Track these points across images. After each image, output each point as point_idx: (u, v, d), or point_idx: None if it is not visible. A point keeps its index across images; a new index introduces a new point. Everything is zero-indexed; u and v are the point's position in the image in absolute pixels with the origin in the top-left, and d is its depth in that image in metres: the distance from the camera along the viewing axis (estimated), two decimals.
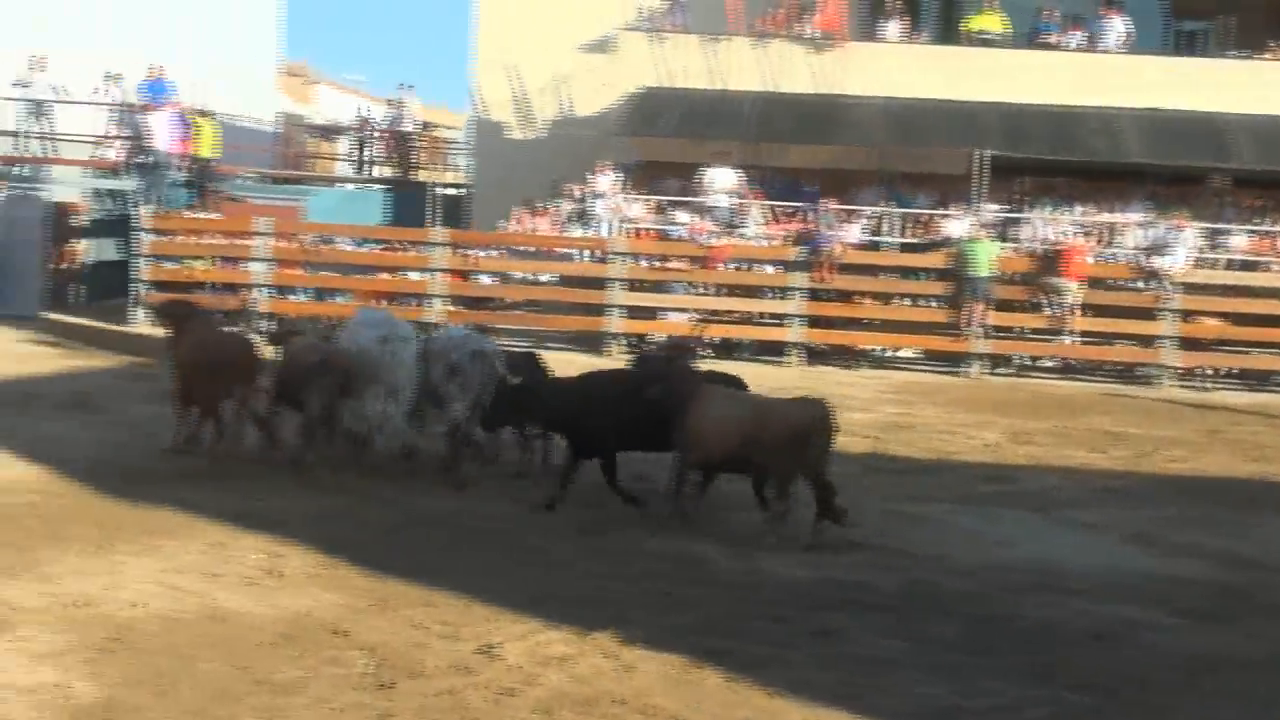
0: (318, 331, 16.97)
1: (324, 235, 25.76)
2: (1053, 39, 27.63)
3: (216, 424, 14.78)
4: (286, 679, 8.76)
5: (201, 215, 26.07)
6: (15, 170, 26.69)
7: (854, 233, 25.27)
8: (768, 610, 10.53)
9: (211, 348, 15.00)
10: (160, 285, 24.44)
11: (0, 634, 9.30)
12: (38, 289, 25.20)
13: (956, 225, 24.97)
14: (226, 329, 16.93)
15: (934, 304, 25.04)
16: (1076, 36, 27.68)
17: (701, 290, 25.19)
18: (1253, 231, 25.55)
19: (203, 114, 27.06)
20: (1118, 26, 27.37)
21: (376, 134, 36.06)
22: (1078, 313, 24.23)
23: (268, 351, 15.58)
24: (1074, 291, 24.14)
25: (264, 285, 24.91)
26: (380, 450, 14.67)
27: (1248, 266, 24.99)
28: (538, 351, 16.59)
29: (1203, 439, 18.81)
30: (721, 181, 25.77)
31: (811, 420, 12.60)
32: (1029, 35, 27.93)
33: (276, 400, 14.79)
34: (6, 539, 11.47)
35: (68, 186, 27.29)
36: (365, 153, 35.64)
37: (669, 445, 13.21)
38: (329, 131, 38.70)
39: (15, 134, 26.63)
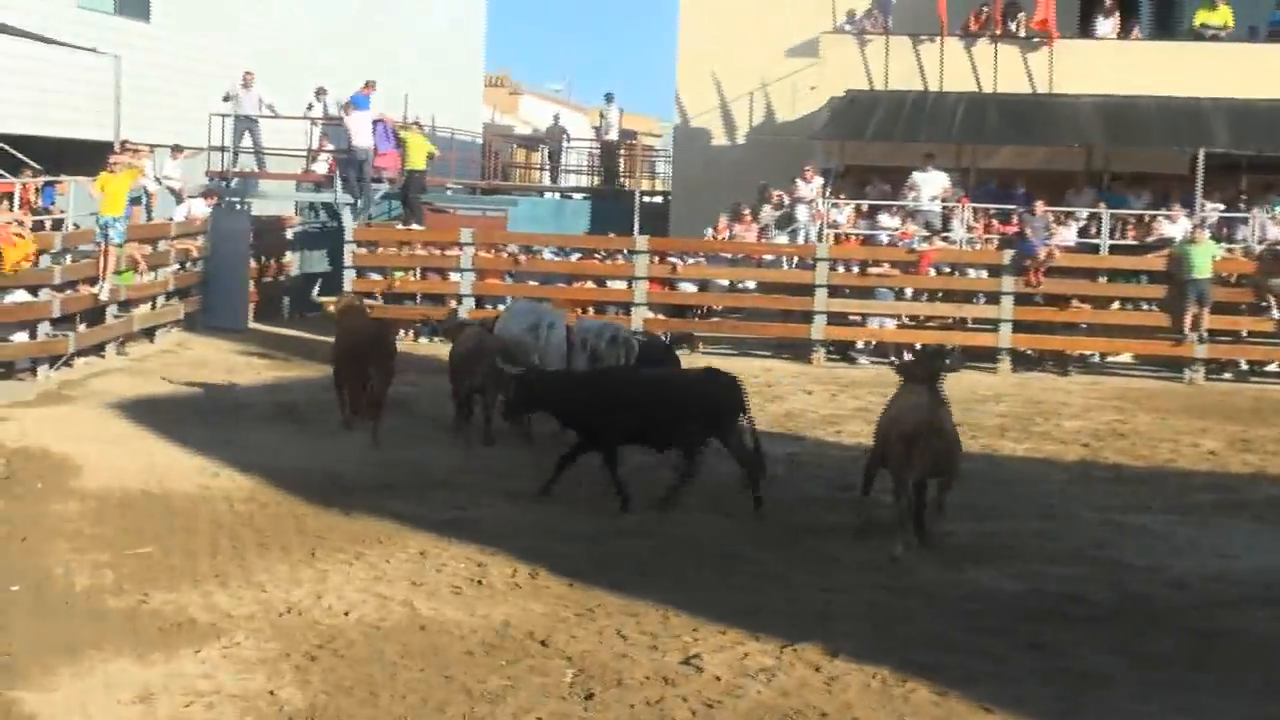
0: (483, 324, 18.22)
1: (527, 245, 25.92)
2: None
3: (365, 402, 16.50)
4: (490, 688, 8.79)
5: (408, 227, 26.39)
6: (225, 184, 27.23)
7: (1066, 235, 24.73)
8: (978, 622, 10.32)
9: (354, 330, 17.11)
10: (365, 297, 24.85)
11: (212, 641, 9.48)
12: (245, 301, 25.59)
13: (1174, 226, 24.29)
14: (372, 318, 18.84)
15: (1149, 307, 24.40)
16: None
17: (909, 296, 24.81)
18: None
19: (413, 126, 27.36)
20: None
21: (569, 143, 36.16)
22: None
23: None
24: None
25: (468, 295, 25.13)
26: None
27: None
28: (669, 343, 18.76)
29: None
30: (929, 184, 25.38)
31: (914, 428, 12.33)
32: (1267, 28, 27.03)
33: (452, 383, 16.68)
34: (219, 547, 11.72)
35: (277, 200, 27.79)
36: (559, 162, 35.73)
37: (673, 443, 13.74)
38: (532, 142, 38.95)
39: (223, 149, 27.15)
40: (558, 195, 34.26)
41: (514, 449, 15.90)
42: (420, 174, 26.77)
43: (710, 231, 25.67)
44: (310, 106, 28.22)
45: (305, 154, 27.95)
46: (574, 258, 25.93)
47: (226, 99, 26.93)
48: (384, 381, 16.47)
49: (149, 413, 17.24)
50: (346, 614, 10.09)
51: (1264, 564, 12.19)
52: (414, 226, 26.40)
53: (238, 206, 26.88)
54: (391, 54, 32.62)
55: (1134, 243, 24.69)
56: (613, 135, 34.27)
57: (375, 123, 26.59)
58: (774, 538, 12.56)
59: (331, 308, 19.27)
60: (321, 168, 27.67)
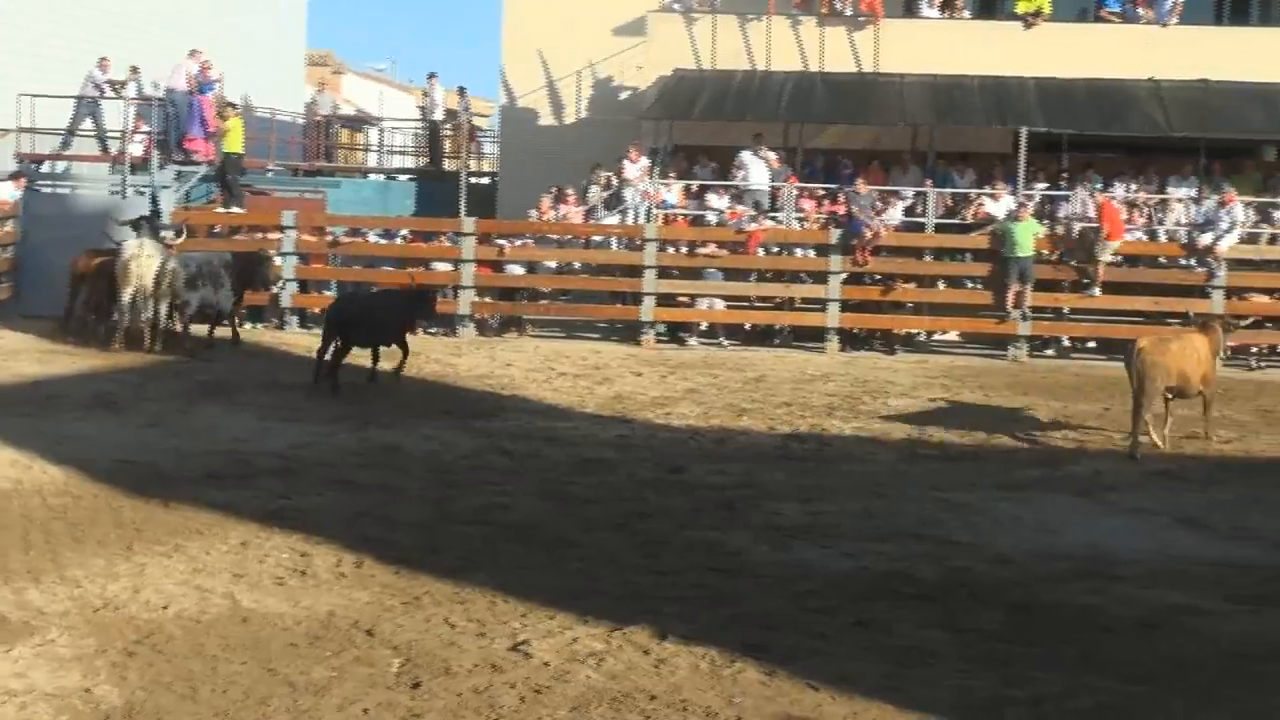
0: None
1: (353, 228, 25.56)
2: (1115, 15, 27.13)
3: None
4: (314, 680, 8.61)
5: (228, 210, 25.88)
6: (35, 167, 26.44)
7: (893, 214, 24.98)
8: (806, 602, 10.34)
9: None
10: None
11: (25, 639, 9.17)
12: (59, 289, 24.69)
13: (998, 204, 24.65)
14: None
15: (975, 286, 24.76)
16: (1136, 10, 27.16)
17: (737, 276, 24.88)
18: None
19: (230, 107, 26.76)
20: None
21: (333, 112, 35.29)
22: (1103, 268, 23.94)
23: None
24: (1115, 249, 23.85)
25: (291, 280, 24.73)
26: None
27: None
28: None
29: (1253, 419, 18.52)
30: (757, 164, 25.46)
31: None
32: (1091, 9, 27.52)
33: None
34: (31, 541, 11.35)
35: (90, 183, 26.99)
36: (318, 138, 34.88)
37: None
38: (356, 122, 38.27)
39: (33, 130, 26.34)
40: (382, 177, 33.85)
41: (339, 433, 15.73)
42: (238, 156, 26.24)
43: (535, 213, 25.51)
44: (124, 85, 27.50)
45: (120, 135, 27.20)
46: (399, 240, 25.65)
47: (106, 87, 26.28)
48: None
49: None
50: (165, 608, 9.82)
51: (1083, 539, 12.38)
52: (234, 209, 25.90)
53: (55, 190, 26.10)
54: (209, 31, 31.86)
55: (959, 221, 25.02)
56: (437, 115, 33.83)
57: (193, 100, 26.12)
58: (604, 521, 12.51)
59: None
60: (136, 150, 26.95)
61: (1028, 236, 23.72)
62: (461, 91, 34.54)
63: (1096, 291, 24.01)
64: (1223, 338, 17.39)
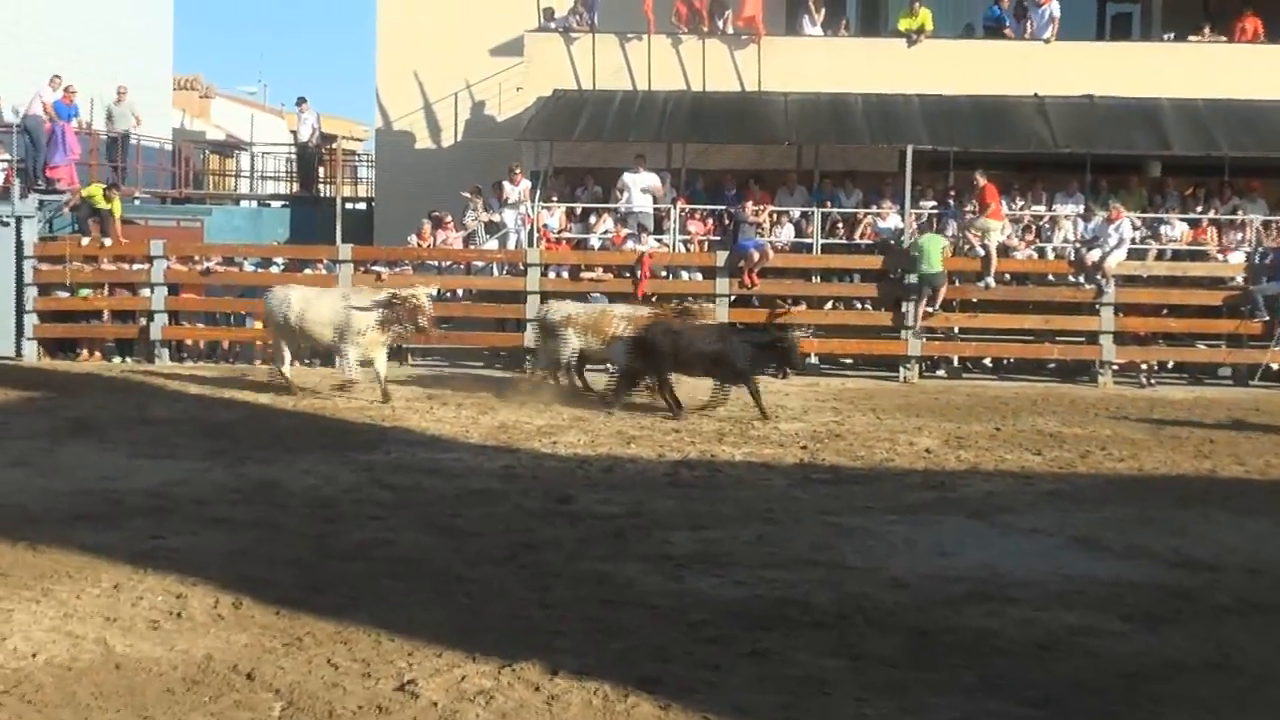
0: None
1: (224, 256, 25.16)
2: (1006, 29, 27.34)
3: None
4: None
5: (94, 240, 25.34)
6: None
7: (781, 235, 24.94)
8: (699, 632, 10.14)
9: None
10: (52, 315, 23.98)
11: None
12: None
13: (887, 223, 24.73)
14: None
15: (864, 306, 24.79)
16: (1022, 25, 27.40)
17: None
18: (1189, 220, 25.30)
19: (113, 189, 26.04)
20: (1050, 13, 27.05)
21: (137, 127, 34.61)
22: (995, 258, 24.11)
23: None
24: (998, 231, 23.98)
25: (160, 311, 24.30)
26: None
27: (1184, 256, 24.86)
28: None
29: (1145, 436, 18.59)
30: (641, 185, 25.31)
31: None
32: (984, 24, 27.71)
33: None
34: None
35: None
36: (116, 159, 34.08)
37: None
38: (226, 148, 37.66)
39: None
40: (254, 203, 33.36)
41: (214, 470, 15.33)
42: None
43: (414, 239, 25.23)
44: None
45: None
46: (274, 269, 25.26)
47: None
48: None
49: None
50: (34, 655, 9.44)
51: (979, 560, 12.30)
52: (105, 241, 25.37)
53: None
54: (73, 55, 31.20)
55: (846, 241, 25.04)
56: (306, 138, 33.14)
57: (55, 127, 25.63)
58: (490, 554, 12.25)
59: None
60: None
61: (938, 251, 23.78)
62: (301, 102, 33.83)
63: (990, 283, 24.11)
64: None
